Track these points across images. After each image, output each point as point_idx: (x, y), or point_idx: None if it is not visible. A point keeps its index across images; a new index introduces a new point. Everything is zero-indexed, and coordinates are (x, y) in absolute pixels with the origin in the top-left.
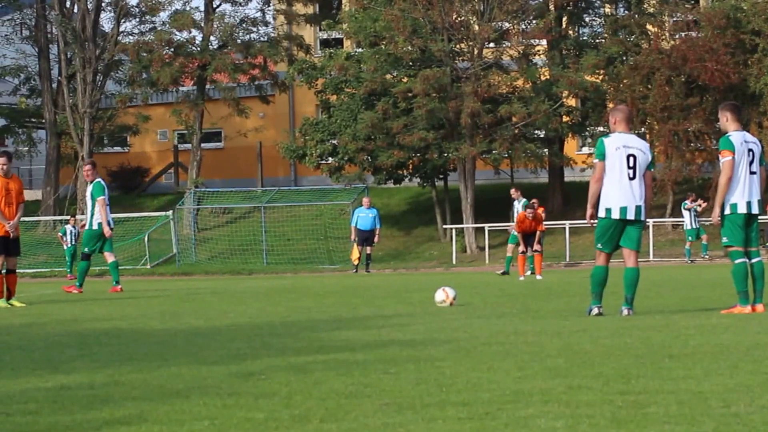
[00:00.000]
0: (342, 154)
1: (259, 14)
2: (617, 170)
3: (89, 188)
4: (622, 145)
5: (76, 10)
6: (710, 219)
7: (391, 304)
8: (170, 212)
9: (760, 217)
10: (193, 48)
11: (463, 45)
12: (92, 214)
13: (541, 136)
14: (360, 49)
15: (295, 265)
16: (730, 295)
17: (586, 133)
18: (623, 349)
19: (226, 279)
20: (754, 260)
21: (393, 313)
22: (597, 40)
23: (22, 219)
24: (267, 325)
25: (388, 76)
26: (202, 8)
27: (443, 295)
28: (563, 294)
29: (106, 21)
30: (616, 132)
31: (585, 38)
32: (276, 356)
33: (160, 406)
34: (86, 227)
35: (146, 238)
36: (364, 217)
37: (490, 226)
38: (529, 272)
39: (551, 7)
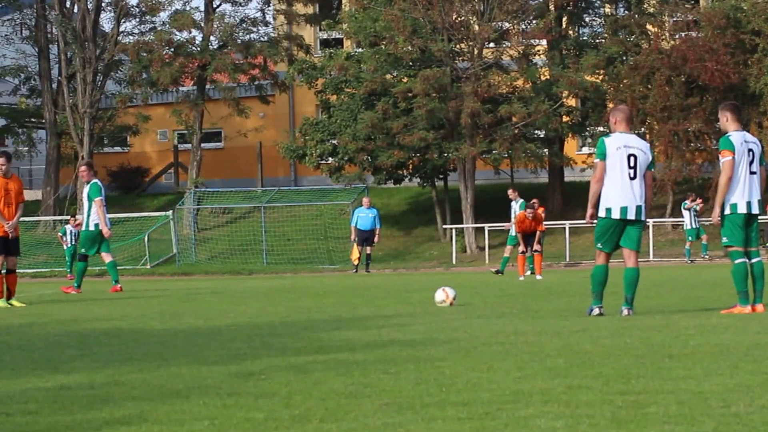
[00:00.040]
0: (342, 154)
1: (259, 14)
2: (618, 170)
3: (86, 189)
4: (622, 144)
5: (76, 10)
6: (710, 219)
7: (391, 304)
8: (170, 212)
9: (760, 217)
10: (193, 48)
11: (463, 45)
12: (88, 215)
13: (541, 136)
14: (360, 49)
15: (295, 265)
16: (730, 295)
17: (586, 133)
18: (623, 349)
19: (226, 279)
20: (754, 260)
21: (393, 313)
22: (597, 40)
23: (23, 219)
24: (267, 325)
25: (388, 76)
26: (202, 8)
27: (443, 295)
28: (563, 294)
29: (106, 21)
30: (616, 132)
31: (585, 38)
32: (276, 356)
33: (160, 406)
34: (83, 228)
35: (146, 238)
36: (364, 217)
37: (490, 226)
38: (528, 272)
39: (551, 7)
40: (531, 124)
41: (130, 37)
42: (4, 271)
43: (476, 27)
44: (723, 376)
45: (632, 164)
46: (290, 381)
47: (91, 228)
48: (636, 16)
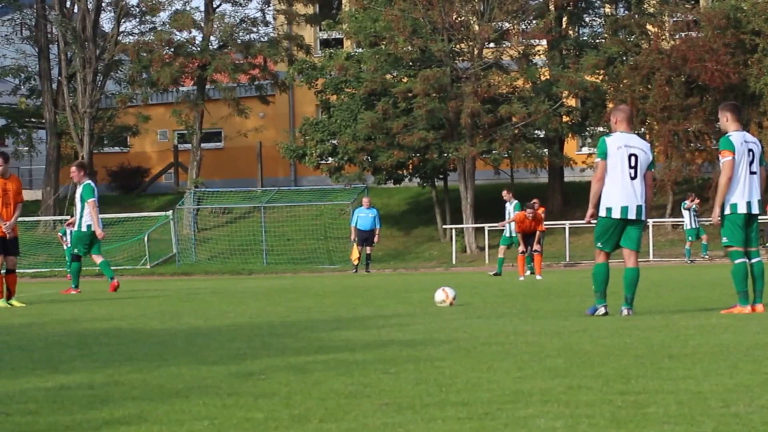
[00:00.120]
0: (342, 154)
1: (259, 14)
2: (619, 170)
3: (79, 189)
4: (623, 144)
5: (76, 10)
6: (710, 219)
7: (390, 304)
8: (170, 212)
9: (760, 217)
10: (193, 48)
11: (463, 45)
12: (81, 216)
13: (541, 136)
14: (360, 49)
15: (295, 265)
16: (730, 295)
17: (586, 133)
18: (623, 349)
19: (226, 279)
20: (754, 260)
21: (393, 313)
22: (597, 40)
23: (23, 219)
24: (267, 325)
25: (388, 76)
26: (202, 8)
27: (443, 295)
28: (563, 294)
29: (106, 21)
30: (617, 131)
31: (585, 38)
32: (276, 356)
33: (159, 406)
34: (75, 229)
35: (146, 238)
36: (364, 217)
37: (489, 226)
38: (528, 272)
39: (551, 7)
40: (531, 124)
41: (130, 37)
42: (3, 271)
43: (476, 27)
44: (723, 376)
45: (633, 164)
46: (290, 381)
47: (84, 229)
48: (636, 16)
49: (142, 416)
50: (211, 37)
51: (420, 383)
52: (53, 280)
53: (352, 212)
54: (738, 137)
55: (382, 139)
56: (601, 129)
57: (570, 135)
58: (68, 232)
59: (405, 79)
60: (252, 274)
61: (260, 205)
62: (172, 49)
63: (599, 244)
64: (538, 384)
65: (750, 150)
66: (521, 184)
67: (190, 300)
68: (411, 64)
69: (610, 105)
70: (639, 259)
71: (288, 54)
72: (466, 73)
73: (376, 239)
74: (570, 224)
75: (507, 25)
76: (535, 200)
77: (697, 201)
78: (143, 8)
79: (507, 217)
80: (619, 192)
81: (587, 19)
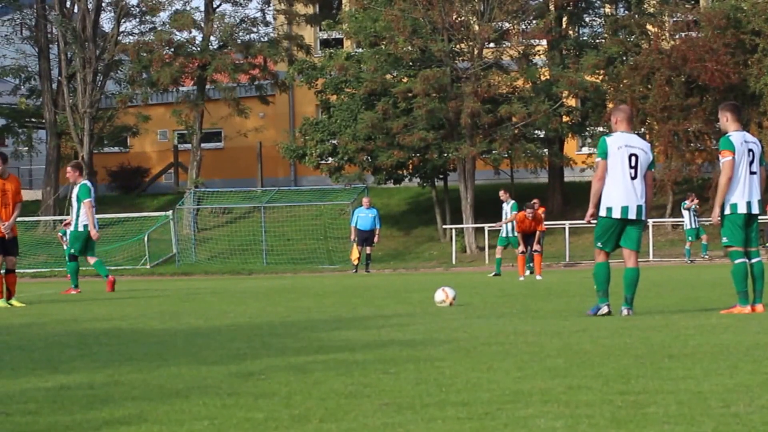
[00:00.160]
0: (342, 154)
1: (259, 14)
2: (619, 169)
3: (75, 189)
4: (624, 144)
5: (76, 10)
6: (710, 219)
7: (390, 304)
8: (170, 212)
9: (760, 217)
10: (193, 48)
11: (463, 45)
12: (77, 216)
13: (541, 136)
14: (360, 49)
15: (295, 265)
16: (729, 295)
17: (586, 133)
18: (623, 349)
19: (226, 279)
20: (753, 260)
21: (393, 313)
22: (597, 40)
23: (23, 219)
24: (267, 325)
25: (388, 76)
26: (202, 8)
27: (443, 295)
28: (563, 294)
29: (106, 21)
30: (617, 131)
31: (585, 38)
32: (276, 356)
33: (159, 406)
34: (72, 229)
35: (146, 238)
36: (363, 217)
37: (489, 227)
38: (528, 272)
39: (551, 7)
40: (531, 124)
41: (130, 37)
42: (3, 271)
43: (476, 27)
44: (723, 376)
45: (633, 164)
46: (290, 381)
47: (80, 229)
48: (636, 16)
49: (142, 416)
50: (211, 37)
51: (420, 383)
52: (53, 280)
53: (352, 212)
54: (738, 137)
55: (382, 139)
56: (601, 129)
57: (570, 135)
58: (67, 232)
59: (405, 79)
60: (252, 274)
61: (260, 205)
62: (172, 49)
63: (599, 244)
64: (538, 384)
65: (750, 150)
66: (521, 184)
67: (190, 300)
68: (411, 64)
69: (610, 105)
70: (639, 259)
71: (288, 54)
72: (466, 73)
73: (376, 239)
74: (570, 224)
75: (507, 25)
76: (535, 200)
77: (696, 201)
78: (143, 8)
79: (504, 217)
80: (619, 192)
81: (587, 19)
